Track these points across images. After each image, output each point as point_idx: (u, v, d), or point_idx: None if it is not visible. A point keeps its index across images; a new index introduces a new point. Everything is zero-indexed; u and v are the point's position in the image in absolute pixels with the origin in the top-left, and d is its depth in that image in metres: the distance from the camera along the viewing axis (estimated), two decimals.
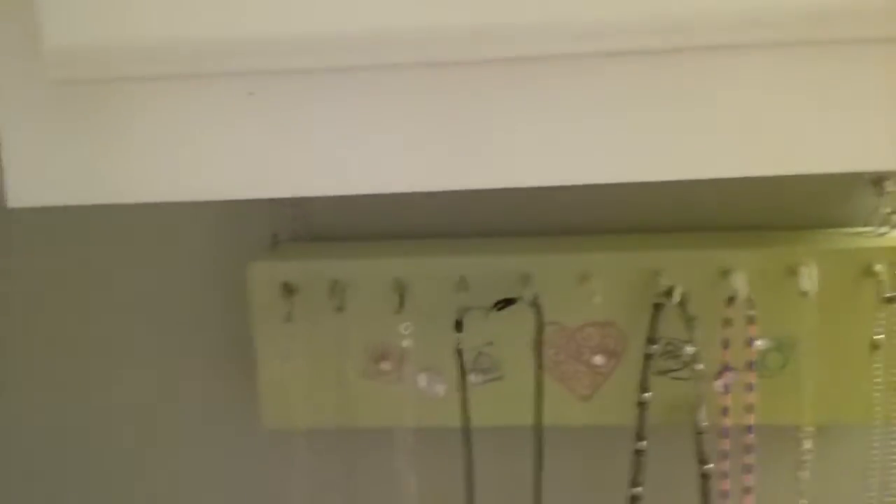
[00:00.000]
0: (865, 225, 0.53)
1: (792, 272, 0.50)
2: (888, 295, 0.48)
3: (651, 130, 0.36)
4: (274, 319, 0.51)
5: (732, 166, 0.37)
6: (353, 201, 0.55)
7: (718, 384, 0.51)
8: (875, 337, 0.49)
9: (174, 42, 0.35)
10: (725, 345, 0.50)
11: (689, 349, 0.50)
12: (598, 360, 0.52)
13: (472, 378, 0.53)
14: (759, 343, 0.51)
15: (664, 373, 0.52)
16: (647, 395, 0.50)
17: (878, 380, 0.50)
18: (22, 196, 0.38)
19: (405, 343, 0.51)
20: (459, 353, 0.51)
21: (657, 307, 0.50)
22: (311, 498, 0.57)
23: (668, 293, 0.49)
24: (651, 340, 0.50)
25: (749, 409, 0.50)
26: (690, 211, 0.54)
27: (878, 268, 0.49)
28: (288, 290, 0.50)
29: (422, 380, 0.53)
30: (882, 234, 0.51)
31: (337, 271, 0.51)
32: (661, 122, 0.36)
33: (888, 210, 0.51)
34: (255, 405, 0.54)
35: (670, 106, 0.35)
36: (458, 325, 0.50)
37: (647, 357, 0.50)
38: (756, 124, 0.36)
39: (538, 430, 0.52)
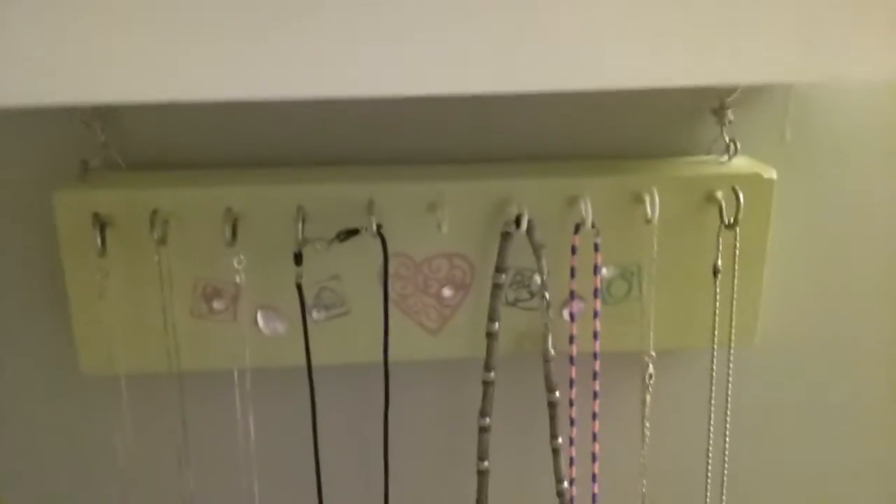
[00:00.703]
0: (708, 154, 0.54)
1: (637, 200, 0.49)
2: (728, 221, 0.49)
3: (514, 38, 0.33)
4: (86, 255, 0.45)
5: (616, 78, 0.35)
6: (173, 125, 0.49)
7: (565, 313, 0.51)
8: (717, 262, 0.50)
9: None
10: (572, 273, 0.49)
11: (538, 278, 0.49)
12: (447, 292, 0.51)
13: (315, 314, 0.50)
14: (604, 271, 0.51)
15: (514, 303, 0.51)
16: (495, 325, 0.49)
17: (718, 304, 0.51)
18: None
19: (238, 278, 0.47)
20: (299, 287, 0.47)
21: (505, 236, 0.48)
22: (140, 450, 0.53)
23: (517, 222, 0.48)
24: (499, 269, 0.49)
25: (595, 336, 0.50)
26: (539, 139, 0.52)
27: (720, 194, 0.50)
28: (99, 221, 0.45)
29: (259, 318, 0.49)
30: (723, 163, 0.52)
31: (157, 200, 0.45)
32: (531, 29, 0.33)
33: (729, 138, 0.52)
34: (72, 350, 0.48)
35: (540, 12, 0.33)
36: (298, 258, 0.47)
37: (496, 287, 0.49)
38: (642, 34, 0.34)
39: (385, 366, 0.50)
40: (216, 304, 0.48)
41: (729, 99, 0.51)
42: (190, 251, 0.47)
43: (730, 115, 0.52)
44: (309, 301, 0.49)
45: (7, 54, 0.32)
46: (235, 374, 0.49)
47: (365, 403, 0.54)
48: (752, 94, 0.53)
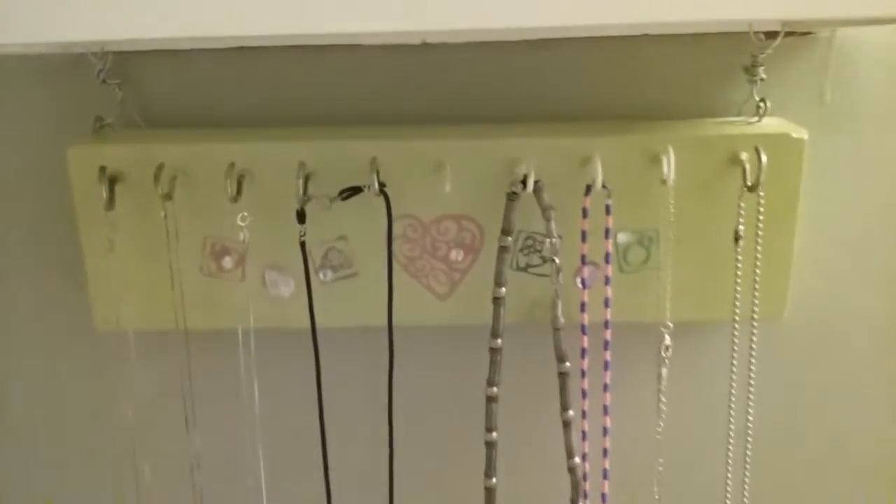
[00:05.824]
0: (738, 115, 0.51)
1: (655, 161, 0.47)
2: (751, 183, 0.46)
3: None
4: (99, 210, 0.46)
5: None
6: (193, 84, 0.50)
7: (578, 280, 0.49)
8: (738, 227, 0.47)
9: None
10: (583, 237, 0.47)
11: (549, 243, 0.47)
12: (456, 255, 0.50)
13: (323, 275, 0.50)
14: (620, 236, 0.49)
15: (525, 269, 0.50)
16: (501, 290, 0.48)
17: (741, 274, 0.48)
18: None
19: (242, 236, 0.47)
20: (303, 246, 0.47)
21: (511, 196, 0.47)
22: (148, 408, 0.54)
23: (523, 182, 0.46)
24: (505, 232, 0.47)
25: (606, 304, 0.48)
26: (554, 100, 0.50)
27: (744, 156, 0.47)
28: (107, 175, 0.46)
29: (266, 278, 0.49)
30: (752, 123, 0.49)
31: (163, 155, 0.46)
32: None
33: (759, 98, 0.49)
34: (85, 306, 0.50)
35: None
36: (300, 216, 0.47)
37: (502, 249, 0.47)
38: None
39: (389, 329, 0.49)
40: (225, 263, 0.49)
41: (762, 55, 0.48)
42: (198, 208, 0.47)
43: (762, 72, 0.49)
44: (317, 262, 0.49)
45: None
46: (240, 333, 0.49)
47: (372, 368, 0.54)
48: (790, 51, 0.50)
